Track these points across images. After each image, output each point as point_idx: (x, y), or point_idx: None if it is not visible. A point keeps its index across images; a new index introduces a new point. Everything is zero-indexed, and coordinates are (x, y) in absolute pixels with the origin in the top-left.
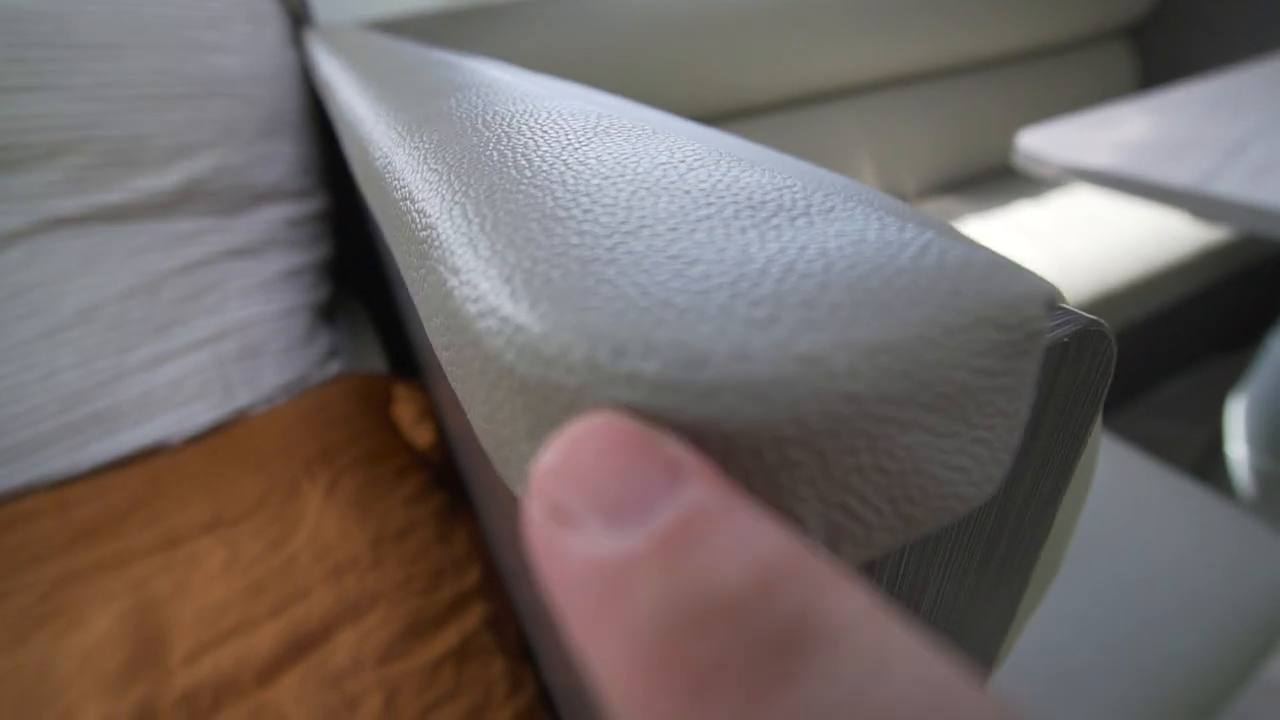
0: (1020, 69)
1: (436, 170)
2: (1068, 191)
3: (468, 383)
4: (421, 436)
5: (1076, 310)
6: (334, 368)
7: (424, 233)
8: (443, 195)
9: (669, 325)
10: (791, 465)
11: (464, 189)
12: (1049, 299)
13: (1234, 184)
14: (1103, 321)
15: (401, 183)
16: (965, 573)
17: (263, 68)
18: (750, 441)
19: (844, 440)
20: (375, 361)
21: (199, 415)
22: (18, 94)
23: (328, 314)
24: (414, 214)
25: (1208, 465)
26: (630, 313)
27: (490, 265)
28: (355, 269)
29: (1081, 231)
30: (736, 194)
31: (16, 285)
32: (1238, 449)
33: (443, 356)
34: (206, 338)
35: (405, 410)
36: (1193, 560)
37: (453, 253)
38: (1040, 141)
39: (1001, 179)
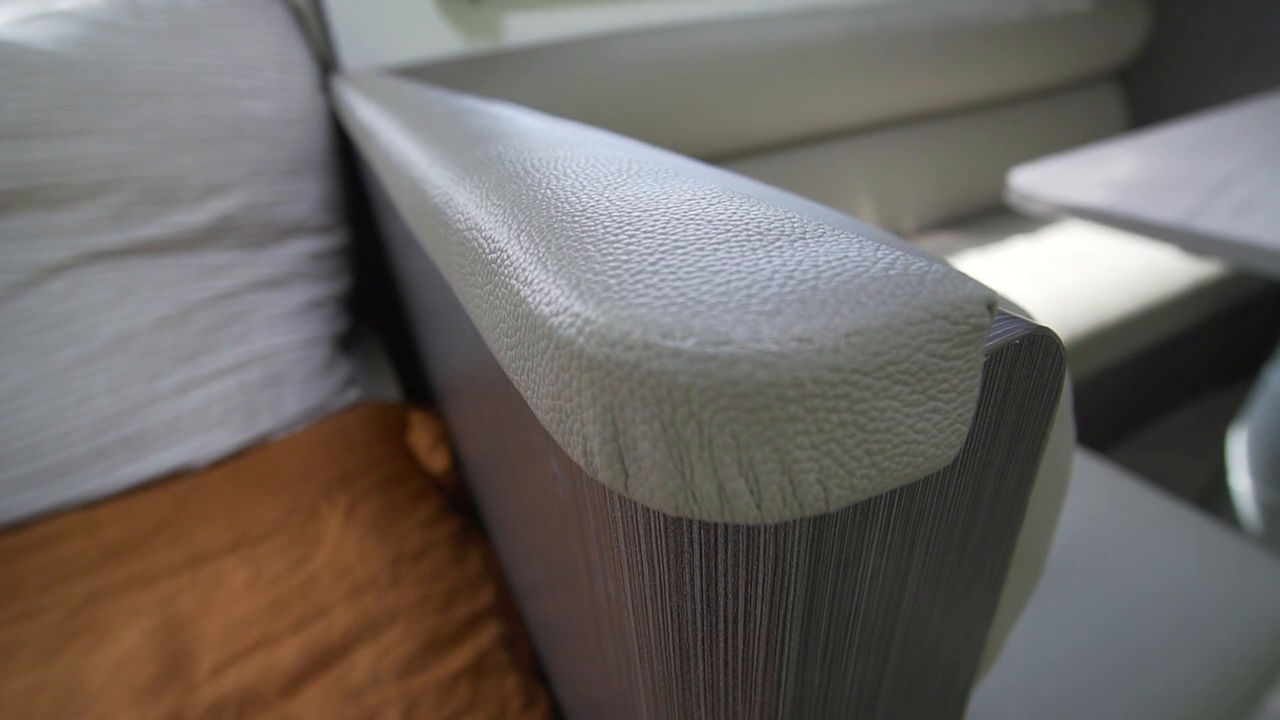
0: (1015, 110)
1: (499, 206)
2: (1062, 228)
3: (536, 371)
4: (436, 462)
5: (1025, 318)
6: (352, 395)
7: (493, 255)
8: (509, 226)
9: (701, 315)
10: (792, 418)
11: (526, 221)
12: (989, 299)
13: (1218, 220)
14: (1050, 328)
15: (465, 216)
16: (947, 548)
17: (292, 111)
18: (762, 399)
19: (830, 400)
20: (390, 390)
21: (223, 440)
22: (68, 137)
23: (346, 344)
24: (481, 241)
25: (1211, 497)
26: (672, 307)
27: (560, 277)
28: (371, 302)
29: (1077, 267)
30: (748, 223)
31: (57, 315)
32: (1241, 481)
33: (509, 354)
34: (233, 365)
35: (421, 437)
36: (1196, 589)
37: (525, 269)
38: (1032, 180)
39: (997, 216)
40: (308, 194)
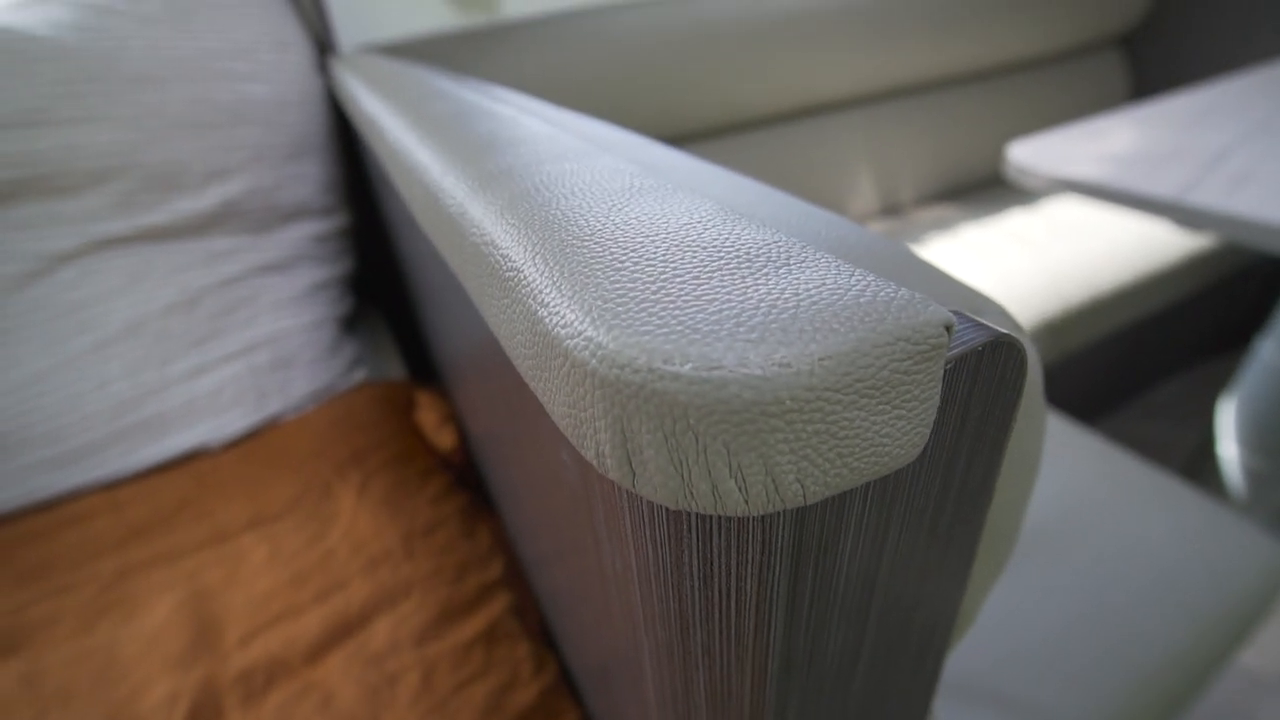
0: (1015, 79)
1: (514, 225)
2: (1059, 200)
3: (552, 382)
4: (444, 440)
5: (990, 325)
6: (359, 376)
7: (510, 273)
8: (524, 246)
9: (697, 343)
10: (773, 429)
11: (541, 243)
12: (946, 322)
13: (1212, 194)
14: (1011, 333)
15: (481, 231)
16: (919, 530)
17: (290, 94)
18: (748, 414)
19: (805, 413)
20: (395, 369)
21: (236, 421)
22: (71, 125)
23: (350, 325)
24: (498, 257)
25: (1198, 465)
26: (672, 335)
27: (574, 302)
28: (373, 282)
29: (1073, 240)
30: (738, 249)
31: (70, 303)
32: (1228, 449)
33: (526, 363)
34: (241, 349)
35: (427, 416)
36: (1173, 553)
37: (541, 291)
38: (1029, 153)
39: (996, 188)
40: (308, 177)
